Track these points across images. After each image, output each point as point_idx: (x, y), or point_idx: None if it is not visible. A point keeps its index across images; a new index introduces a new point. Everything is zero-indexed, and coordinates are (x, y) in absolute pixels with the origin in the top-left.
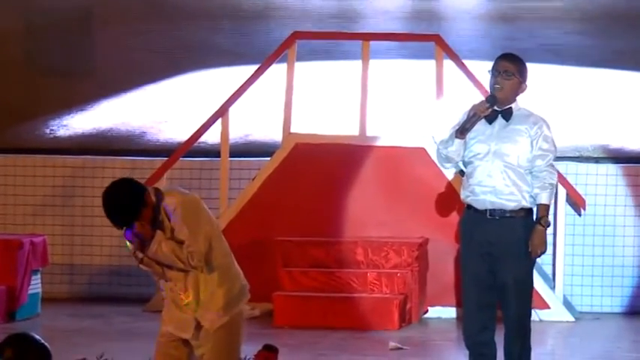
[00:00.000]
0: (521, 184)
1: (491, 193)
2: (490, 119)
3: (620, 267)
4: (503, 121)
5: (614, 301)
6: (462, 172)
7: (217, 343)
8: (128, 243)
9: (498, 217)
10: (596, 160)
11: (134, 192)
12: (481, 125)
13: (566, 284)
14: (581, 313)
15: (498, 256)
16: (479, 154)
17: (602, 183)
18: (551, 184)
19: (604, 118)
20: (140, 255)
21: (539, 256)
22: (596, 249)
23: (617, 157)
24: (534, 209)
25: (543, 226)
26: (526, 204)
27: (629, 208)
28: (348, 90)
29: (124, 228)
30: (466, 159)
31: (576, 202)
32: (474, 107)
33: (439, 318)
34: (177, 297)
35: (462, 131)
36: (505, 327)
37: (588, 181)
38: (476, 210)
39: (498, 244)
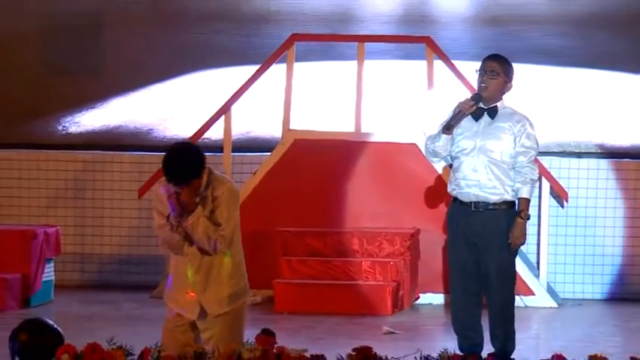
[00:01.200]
0: (504, 179)
1: (475, 186)
2: (476, 116)
3: (601, 256)
4: (489, 119)
5: (595, 288)
6: (451, 165)
7: (224, 328)
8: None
9: (482, 209)
10: (579, 155)
11: (199, 155)
12: (467, 122)
13: (549, 272)
14: (563, 299)
15: (482, 246)
16: (465, 149)
17: (583, 177)
18: (532, 180)
19: (586, 116)
20: (176, 222)
21: (518, 247)
22: (578, 239)
23: (599, 152)
24: (516, 202)
25: (523, 219)
26: (508, 197)
27: (610, 200)
28: (344, 89)
29: (178, 186)
30: (453, 154)
31: (559, 195)
32: (460, 105)
33: (430, 304)
34: (186, 273)
35: (447, 127)
36: (489, 313)
37: (571, 174)
38: (461, 202)
39: (482, 235)
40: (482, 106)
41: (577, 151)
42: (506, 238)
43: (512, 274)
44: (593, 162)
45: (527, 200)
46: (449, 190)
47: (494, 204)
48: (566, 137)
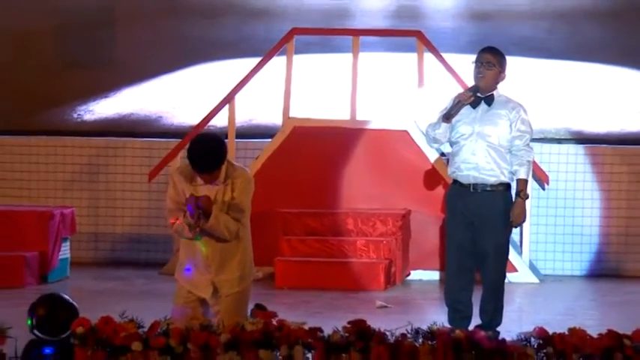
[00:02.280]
0: (500, 162)
1: (474, 169)
2: (474, 104)
3: (580, 235)
4: (486, 106)
5: (575, 265)
6: (442, 154)
7: (231, 303)
8: (187, 215)
9: (480, 190)
10: (559, 141)
11: (222, 146)
12: (466, 110)
13: (531, 250)
14: (545, 275)
15: (480, 225)
16: (464, 134)
17: (563, 161)
18: (528, 161)
19: (566, 105)
20: (195, 225)
21: (519, 225)
22: (558, 219)
23: (577, 138)
24: (512, 184)
25: (523, 199)
26: (505, 179)
27: (588, 183)
28: (340, 79)
29: (205, 176)
30: (453, 139)
31: (541, 178)
32: (459, 95)
33: (420, 280)
34: (199, 251)
35: (447, 116)
36: (483, 288)
37: (551, 159)
38: (461, 184)
39: (480, 214)
40: (480, 94)
41: (557, 137)
42: (503, 218)
43: (507, 253)
44: (572, 148)
45: (525, 181)
46: (449, 172)
47: (491, 185)
48: (547, 125)
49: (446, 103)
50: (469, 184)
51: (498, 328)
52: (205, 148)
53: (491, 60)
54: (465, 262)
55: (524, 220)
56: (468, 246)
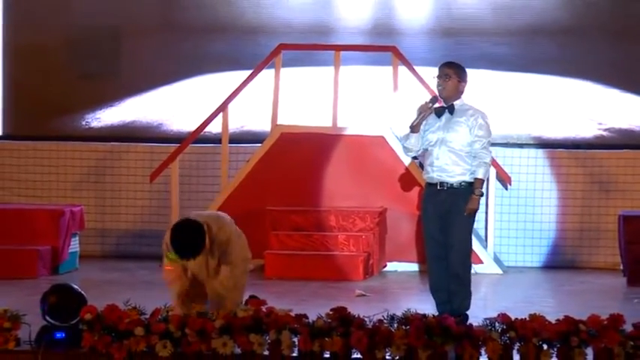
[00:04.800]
0: (461, 164)
1: (439, 170)
2: (439, 114)
3: (539, 230)
4: (449, 115)
5: (534, 257)
6: (415, 158)
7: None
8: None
9: (446, 188)
10: (520, 145)
11: (200, 232)
12: (432, 119)
13: (496, 244)
14: (508, 267)
15: (446, 219)
16: (431, 141)
17: (524, 164)
18: (485, 163)
19: (527, 113)
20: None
21: (471, 213)
22: (520, 216)
23: (537, 143)
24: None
25: (477, 195)
26: (466, 179)
27: (547, 184)
28: (322, 90)
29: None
30: (424, 146)
31: (504, 179)
32: (420, 107)
33: (395, 271)
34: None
35: (412, 127)
36: (449, 275)
37: (514, 162)
38: (431, 184)
39: (446, 210)
40: (444, 104)
41: (519, 142)
42: (465, 214)
43: (470, 242)
44: (532, 152)
45: (481, 180)
46: (423, 175)
47: (454, 184)
48: (510, 131)
49: (413, 116)
50: (436, 184)
51: (468, 312)
52: (184, 241)
53: (449, 72)
54: (438, 252)
55: (476, 209)
56: (438, 237)
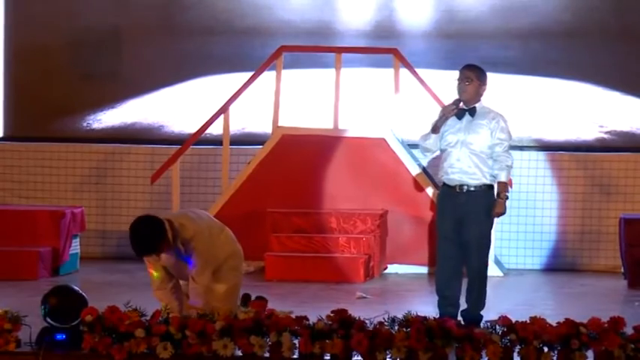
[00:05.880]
0: (482, 167)
1: (459, 172)
2: (459, 116)
3: (540, 233)
4: (470, 117)
5: (535, 260)
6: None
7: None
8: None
9: (465, 190)
10: (521, 148)
11: (156, 226)
12: (453, 120)
13: (497, 246)
14: (508, 269)
15: (464, 220)
16: (451, 142)
17: (525, 167)
18: (507, 166)
19: (529, 116)
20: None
21: (499, 216)
22: (521, 218)
23: (539, 146)
24: (494, 185)
25: (502, 199)
26: (486, 181)
27: (548, 186)
28: (324, 92)
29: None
30: (442, 147)
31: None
32: (443, 109)
33: (396, 273)
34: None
35: (434, 128)
36: (468, 276)
37: (515, 165)
38: (449, 186)
39: (465, 211)
40: (464, 107)
41: (520, 145)
42: (484, 213)
43: (488, 244)
44: (533, 154)
45: (505, 183)
46: (439, 175)
47: (475, 186)
48: (512, 134)
49: (435, 116)
50: (455, 186)
51: (465, 317)
52: (141, 236)
53: (470, 75)
54: (450, 251)
55: (504, 213)
56: (453, 237)
